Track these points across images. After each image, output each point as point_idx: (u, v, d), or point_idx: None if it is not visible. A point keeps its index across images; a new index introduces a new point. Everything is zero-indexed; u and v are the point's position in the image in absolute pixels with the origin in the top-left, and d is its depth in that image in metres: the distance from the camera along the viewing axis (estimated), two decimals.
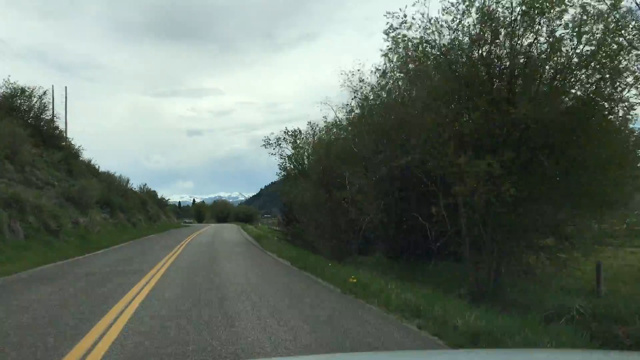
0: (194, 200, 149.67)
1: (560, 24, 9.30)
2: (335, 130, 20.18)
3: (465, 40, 9.96)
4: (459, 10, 9.70)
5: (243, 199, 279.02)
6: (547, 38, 9.41)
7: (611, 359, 2.23)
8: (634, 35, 9.04)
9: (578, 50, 9.23)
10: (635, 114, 9.41)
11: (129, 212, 32.57)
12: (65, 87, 38.82)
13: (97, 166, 35.18)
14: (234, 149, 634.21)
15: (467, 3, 9.59)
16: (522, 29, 9.36)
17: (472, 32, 9.69)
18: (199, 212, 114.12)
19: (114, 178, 34.13)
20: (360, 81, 16.95)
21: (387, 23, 10.77)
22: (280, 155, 25.33)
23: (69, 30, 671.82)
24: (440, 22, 10.02)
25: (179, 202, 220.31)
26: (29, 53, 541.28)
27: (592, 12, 9.03)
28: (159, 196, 59.64)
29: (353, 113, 17.92)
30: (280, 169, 26.04)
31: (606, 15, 9.02)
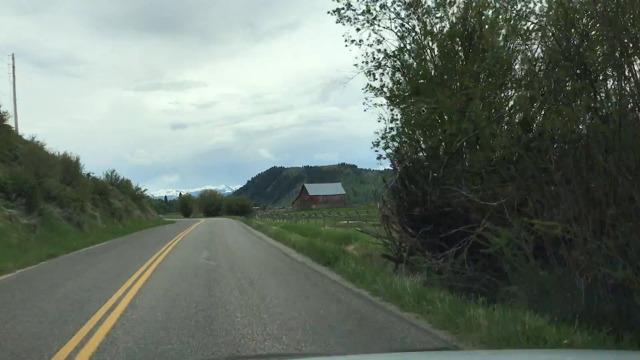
0: (180, 194, 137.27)
1: None
2: None
3: None
4: None
5: (230, 191, 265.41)
6: None
7: (612, 358, 2.24)
8: None
9: None
10: None
11: (73, 206, 20.43)
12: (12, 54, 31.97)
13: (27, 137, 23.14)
14: (218, 141, 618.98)
15: None
16: None
17: None
18: (185, 206, 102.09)
19: (45, 154, 21.96)
20: None
21: None
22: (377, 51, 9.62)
23: (48, 26, 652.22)
24: None
25: (165, 196, 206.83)
26: (8, 49, 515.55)
27: None
28: (136, 186, 47.35)
29: None
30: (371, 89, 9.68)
31: None
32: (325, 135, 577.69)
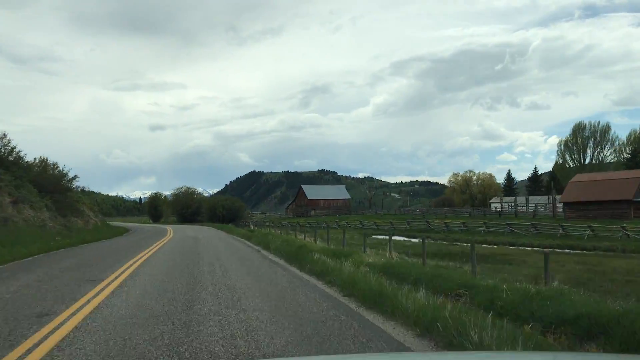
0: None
1: None
2: None
3: None
4: None
5: (207, 194, 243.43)
6: None
7: None
8: None
9: None
10: None
11: None
12: None
13: None
14: (197, 144, 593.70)
15: None
16: None
17: None
18: (154, 208, 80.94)
19: None
20: None
21: None
22: None
23: (26, 21, 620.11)
24: None
25: (140, 198, 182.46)
26: None
27: None
28: (59, 170, 27.00)
29: None
30: None
31: None
32: (304, 141, 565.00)
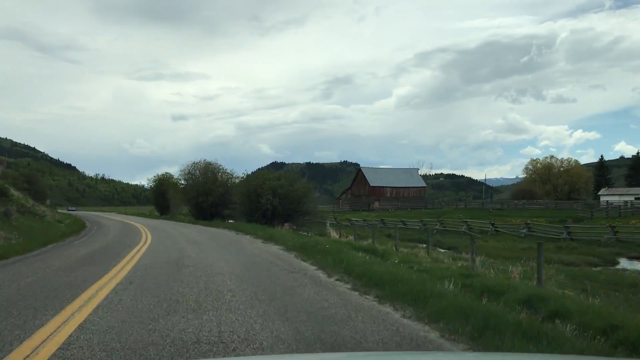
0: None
1: None
2: None
3: None
4: None
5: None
6: None
7: None
8: None
9: None
10: None
11: None
12: None
13: None
14: (219, 134, 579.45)
15: None
16: None
17: None
18: (161, 195, 57.27)
19: None
20: None
21: None
22: None
23: (50, 10, 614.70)
24: None
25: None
26: (9, 33, 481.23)
27: None
28: None
29: None
30: None
31: None
32: (325, 133, 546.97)
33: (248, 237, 18.21)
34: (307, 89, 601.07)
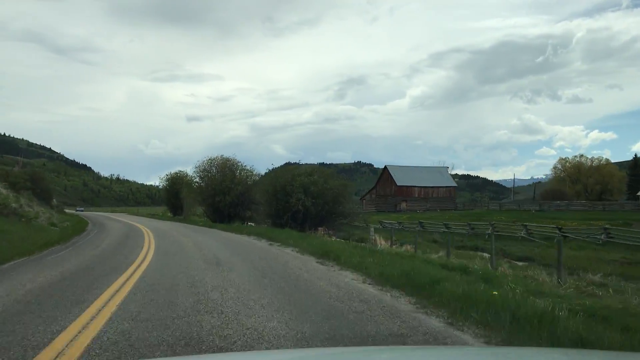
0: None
1: None
2: None
3: None
4: None
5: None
6: None
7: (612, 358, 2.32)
8: None
9: None
10: None
11: None
12: None
13: None
14: (233, 135, 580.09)
15: None
16: None
17: None
18: (174, 195, 53.05)
19: None
20: None
21: None
22: None
23: (67, 12, 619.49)
24: None
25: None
26: (27, 36, 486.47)
27: None
28: None
29: None
30: None
31: None
32: (338, 133, 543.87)
33: (289, 250, 13.26)
34: (320, 89, 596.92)
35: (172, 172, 56.95)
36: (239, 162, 38.85)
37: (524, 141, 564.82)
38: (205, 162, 39.16)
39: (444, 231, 35.18)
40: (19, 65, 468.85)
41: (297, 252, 12.42)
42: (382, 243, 20.55)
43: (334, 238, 20.93)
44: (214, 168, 38.98)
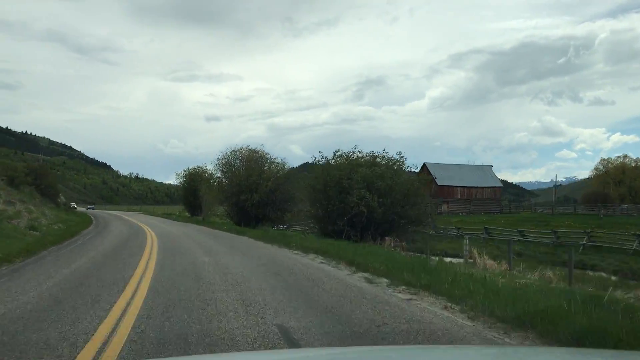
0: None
1: None
2: None
3: None
4: None
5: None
6: None
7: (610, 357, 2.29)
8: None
9: None
10: None
11: None
12: None
13: None
14: (251, 135, 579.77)
15: None
16: None
17: None
18: (192, 193, 47.58)
19: None
20: None
21: None
22: None
23: (88, 12, 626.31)
24: None
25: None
26: (50, 35, 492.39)
27: None
28: None
29: None
30: None
31: None
32: (356, 134, 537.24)
33: (425, 304, 6.60)
34: (338, 90, 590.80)
35: (190, 167, 51.07)
36: (267, 153, 32.65)
37: (544, 143, 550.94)
38: (228, 154, 33.02)
39: (518, 239, 28.48)
40: (41, 65, 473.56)
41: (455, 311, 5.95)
42: (486, 263, 14.02)
43: (405, 253, 14.53)
44: (238, 161, 32.80)
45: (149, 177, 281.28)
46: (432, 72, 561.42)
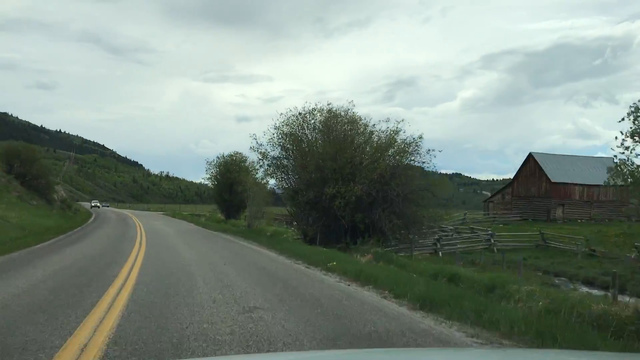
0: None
1: None
2: None
3: None
4: None
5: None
6: None
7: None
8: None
9: None
10: None
11: None
12: None
13: None
14: None
15: None
16: None
17: None
18: (228, 188, 32.99)
19: None
20: None
21: None
22: None
23: (122, 13, 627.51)
24: None
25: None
26: (85, 36, 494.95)
27: None
28: None
29: None
30: None
31: None
32: None
33: None
34: (369, 91, 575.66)
35: (224, 154, 37.43)
36: (360, 117, 18.52)
37: (579, 147, 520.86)
38: (292, 119, 19.00)
39: None
40: (76, 65, 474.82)
41: None
42: None
43: None
44: (309, 132, 18.81)
45: (179, 177, 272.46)
46: (464, 73, 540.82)
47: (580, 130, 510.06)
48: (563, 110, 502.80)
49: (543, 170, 44.31)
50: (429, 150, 16.45)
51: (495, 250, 24.38)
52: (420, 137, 16.79)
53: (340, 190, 14.77)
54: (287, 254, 13.04)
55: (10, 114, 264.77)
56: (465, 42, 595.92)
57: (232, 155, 36.60)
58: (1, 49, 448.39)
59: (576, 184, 44.51)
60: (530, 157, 46.08)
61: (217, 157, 37.44)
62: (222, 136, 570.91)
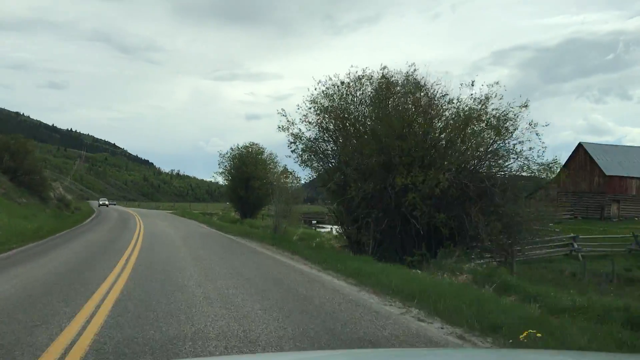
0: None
1: None
2: None
3: None
4: None
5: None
6: None
7: None
8: None
9: None
10: None
11: None
12: None
13: None
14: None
15: None
16: None
17: None
18: (244, 183, 28.05)
19: None
20: None
21: None
22: None
23: (132, 12, 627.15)
24: None
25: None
26: (95, 35, 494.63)
27: None
28: None
29: None
30: None
31: None
32: None
33: None
34: None
35: (239, 144, 32.88)
36: (423, 85, 13.74)
37: (591, 142, 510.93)
38: (330, 87, 14.30)
39: None
40: (87, 64, 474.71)
41: None
42: None
43: None
44: (353, 106, 14.16)
45: (190, 175, 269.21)
46: (474, 69, 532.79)
47: (591, 126, 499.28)
48: (574, 106, 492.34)
49: (595, 162, 39.26)
50: (531, 123, 11.68)
51: (581, 258, 19.62)
52: (526, 105, 11.99)
53: (416, 179, 10.15)
54: (369, 287, 7.40)
55: (22, 113, 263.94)
56: (476, 38, 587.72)
57: (247, 146, 32.12)
58: (13, 49, 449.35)
59: (633, 177, 39.39)
60: (580, 147, 41.00)
61: (231, 148, 32.94)
62: (232, 134, 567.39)
